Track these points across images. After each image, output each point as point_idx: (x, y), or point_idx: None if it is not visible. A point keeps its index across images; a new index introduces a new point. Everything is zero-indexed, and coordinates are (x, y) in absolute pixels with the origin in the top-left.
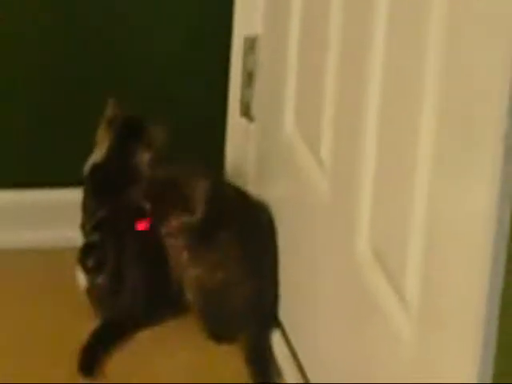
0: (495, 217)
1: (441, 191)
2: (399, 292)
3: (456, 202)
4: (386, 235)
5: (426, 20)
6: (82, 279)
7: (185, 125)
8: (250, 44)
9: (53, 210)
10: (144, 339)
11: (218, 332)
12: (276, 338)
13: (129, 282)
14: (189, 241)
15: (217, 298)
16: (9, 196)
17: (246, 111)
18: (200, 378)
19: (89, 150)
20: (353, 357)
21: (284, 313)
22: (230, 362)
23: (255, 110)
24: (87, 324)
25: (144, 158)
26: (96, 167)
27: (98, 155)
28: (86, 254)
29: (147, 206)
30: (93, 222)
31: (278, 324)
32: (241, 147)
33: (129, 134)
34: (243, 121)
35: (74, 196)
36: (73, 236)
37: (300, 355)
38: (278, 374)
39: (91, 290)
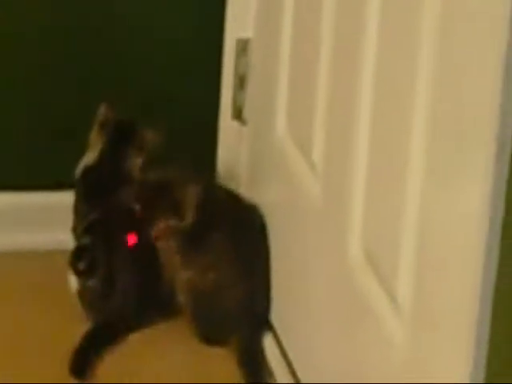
0: (487, 218)
1: (433, 193)
2: (391, 295)
3: (448, 204)
4: (378, 238)
5: (419, 22)
6: (73, 282)
7: (177, 127)
8: (243, 46)
9: (44, 212)
10: (135, 342)
11: (210, 335)
12: (268, 341)
13: (120, 285)
14: (181, 243)
15: (209, 301)
16: (1, 198)
17: (238, 114)
18: (192, 379)
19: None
20: (345, 359)
21: (276, 316)
22: (221, 364)
23: (247, 113)
24: (79, 327)
25: (136, 161)
26: (88, 170)
27: (89, 158)
28: (78, 256)
29: (137, 207)
30: (84, 224)
31: (269, 327)
32: (233, 150)
33: (121, 138)
34: (235, 124)
35: (65, 198)
36: (64, 239)
37: (292, 358)
38: (270, 376)
39: (82, 293)
